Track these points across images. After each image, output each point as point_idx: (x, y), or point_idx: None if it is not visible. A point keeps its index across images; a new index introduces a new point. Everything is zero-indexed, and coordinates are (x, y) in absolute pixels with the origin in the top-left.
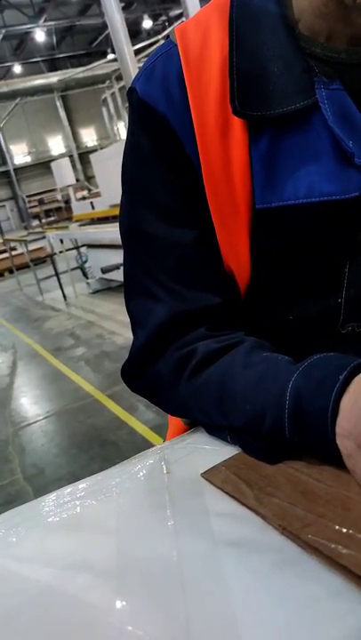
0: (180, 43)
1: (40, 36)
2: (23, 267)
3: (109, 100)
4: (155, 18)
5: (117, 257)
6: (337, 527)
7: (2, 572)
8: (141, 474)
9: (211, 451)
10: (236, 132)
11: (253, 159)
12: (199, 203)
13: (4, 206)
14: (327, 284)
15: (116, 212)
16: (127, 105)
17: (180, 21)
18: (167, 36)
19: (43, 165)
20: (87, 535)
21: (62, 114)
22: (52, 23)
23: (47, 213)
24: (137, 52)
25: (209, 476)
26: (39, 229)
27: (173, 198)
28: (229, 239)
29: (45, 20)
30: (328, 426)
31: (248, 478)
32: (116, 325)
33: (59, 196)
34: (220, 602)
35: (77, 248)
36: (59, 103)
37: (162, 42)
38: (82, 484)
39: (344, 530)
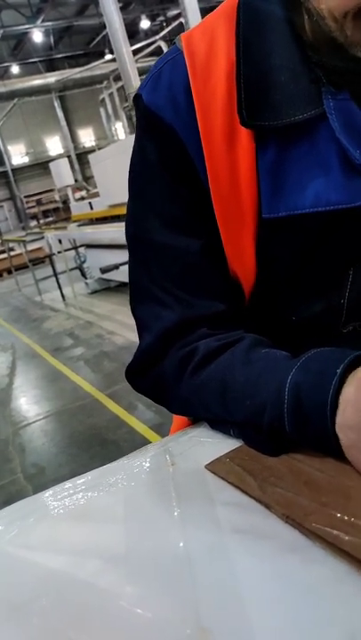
0: (186, 50)
1: (38, 36)
2: (22, 267)
3: (107, 101)
4: (152, 18)
5: (116, 257)
6: (339, 515)
7: (14, 561)
8: (146, 466)
9: (214, 443)
10: (243, 142)
11: (260, 168)
12: (205, 211)
13: (1, 207)
14: (331, 286)
15: (115, 212)
16: (125, 105)
17: (177, 22)
18: (165, 37)
19: (40, 166)
20: (95, 524)
21: (60, 114)
22: (50, 23)
23: (45, 214)
24: (135, 53)
25: (213, 467)
26: (37, 230)
27: (179, 207)
28: (235, 246)
29: (43, 21)
30: (328, 418)
31: (252, 469)
32: (114, 325)
33: (57, 197)
34: (227, 585)
35: (76, 248)
36: (56, 103)
37: (160, 42)
38: (89, 476)
39: (346, 517)
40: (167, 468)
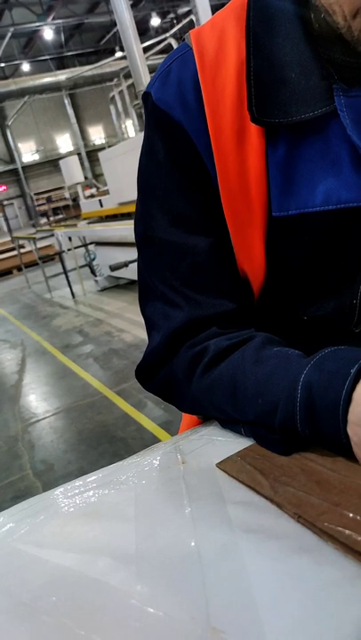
0: (195, 46)
1: (48, 34)
2: (32, 264)
3: (117, 98)
4: (163, 15)
5: (126, 254)
6: (352, 515)
7: (25, 558)
8: (157, 464)
9: (225, 442)
10: (253, 138)
11: (270, 166)
12: (214, 209)
13: (12, 204)
14: (342, 285)
15: (125, 209)
16: (135, 103)
17: (188, 19)
18: (175, 35)
19: (50, 163)
20: (106, 522)
21: (70, 112)
22: (61, 21)
23: (55, 211)
24: (145, 50)
25: (224, 466)
26: (47, 227)
27: (188, 205)
28: (244, 244)
29: (54, 19)
30: (340, 417)
31: (263, 468)
32: (124, 323)
33: (67, 194)
34: (238, 584)
35: (86, 246)
36: (67, 101)
37: (170, 40)
38: (100, 474)
39: (359, 517)
40: (178, 467)
